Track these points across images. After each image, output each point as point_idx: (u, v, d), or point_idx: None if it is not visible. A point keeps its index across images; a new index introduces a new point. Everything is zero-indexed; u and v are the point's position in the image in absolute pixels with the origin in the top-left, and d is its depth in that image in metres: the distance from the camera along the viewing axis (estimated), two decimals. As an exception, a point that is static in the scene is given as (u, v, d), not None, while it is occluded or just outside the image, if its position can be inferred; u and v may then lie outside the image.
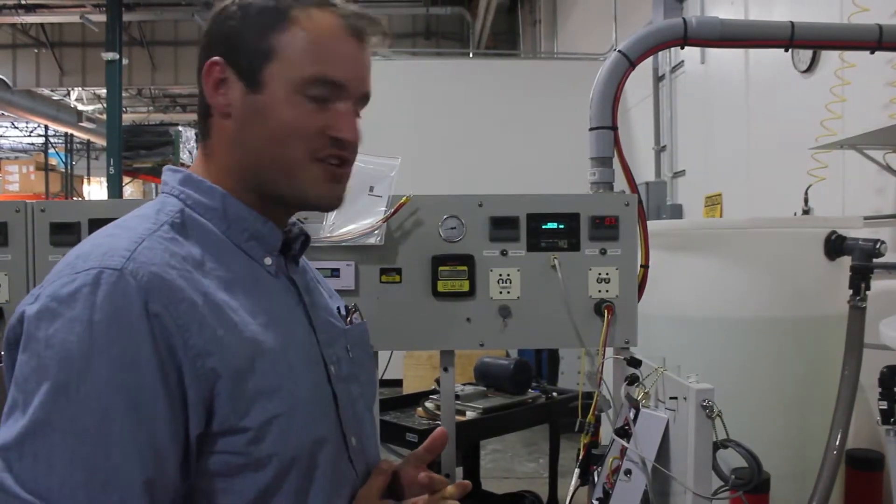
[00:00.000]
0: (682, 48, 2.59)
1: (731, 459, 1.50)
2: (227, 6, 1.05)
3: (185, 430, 0.89)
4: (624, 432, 1.62)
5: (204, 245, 1.00)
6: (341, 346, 1.14)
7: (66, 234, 1.88)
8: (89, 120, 14.06)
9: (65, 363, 0.83)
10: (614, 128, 2.28)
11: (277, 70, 1.01)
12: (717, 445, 1.47)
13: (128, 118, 16.85)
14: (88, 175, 17.80)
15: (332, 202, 1.08)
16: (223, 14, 1.04)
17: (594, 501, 1.68)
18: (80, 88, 16.70)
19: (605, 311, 1.87)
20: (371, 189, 1.88)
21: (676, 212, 5.75)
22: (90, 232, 1.86)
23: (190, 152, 12.95)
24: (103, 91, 12.40)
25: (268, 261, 1.06)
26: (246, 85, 1.01)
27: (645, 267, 2.00)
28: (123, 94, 12.50)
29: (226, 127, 1.03)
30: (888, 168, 3.15)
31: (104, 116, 12.09)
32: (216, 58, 1.02)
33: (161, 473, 0.86)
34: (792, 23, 2.56)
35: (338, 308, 1.20)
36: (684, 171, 5.87)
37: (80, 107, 15.98)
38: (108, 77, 10.62)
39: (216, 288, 0.96)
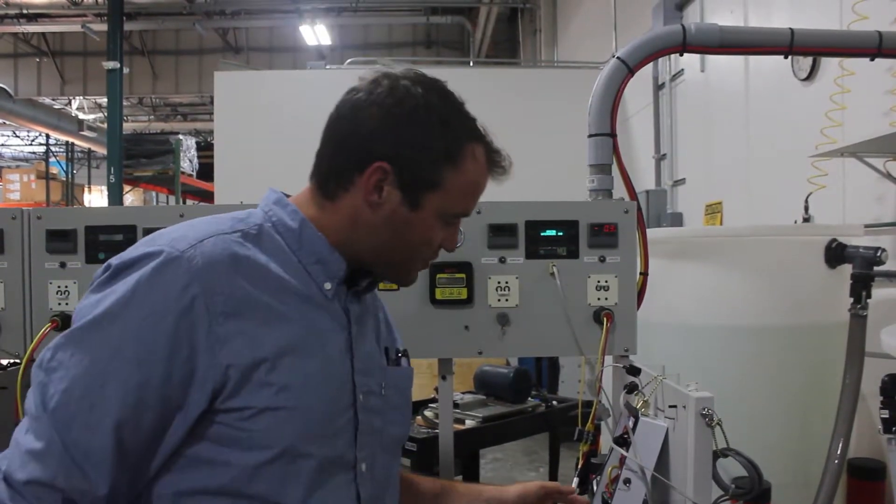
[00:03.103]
0: (682, 55, 2.58)
1: (731, 468, 1.48)
2: (408, 103, 1.14)
3: (181, 399, 1.02)
4: (623, 441, 1.61)
5: (272, 256, 1.13)
6: (376, 381, 1.22)
7: (62, 241, 1.86)
8: (90, 129, 14.08)
9: (109, 305, 1.02)
10: (613, 135, 2.28)
11: (437, 200, 1.16)
12: (717, 454, 1.45)
13: (128, 127, 16.90)
14: (89, 184, 17.80)
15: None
16: (403, 113, 1.13)
17: (593, 511, 1.66)
18: (81, 97, 16.75)
19: (605, 319, 1.85)
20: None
21: (677, 220, 5.74)
22: (86, 239, 1.87)
23: (190, 161, 12.94)
24: (104, 100, 12.42)
25: (327, 285, 1.17)
26: (404, 198, 1.15)
27: (644, 274, 1.99)
28: (124, 103, 12.52)
29: (363, 211, 1.16)
30: (888, 176, 3.15)
31: (105, 125, 12.11)
32: (386, 165, 1.13)
33: (137, 420, 1.00)
34: (791, 29, 2.56)
35: (385, 348, 1.30)
36: (684, 179, 5.87)
37: (81, 116, 16.01)
38: (108, 86, 10.64)
39: (266, 290, 1.09)
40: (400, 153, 1.13)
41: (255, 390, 1.04)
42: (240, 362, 1.03)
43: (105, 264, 1.09)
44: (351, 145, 1.15)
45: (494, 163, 1.22)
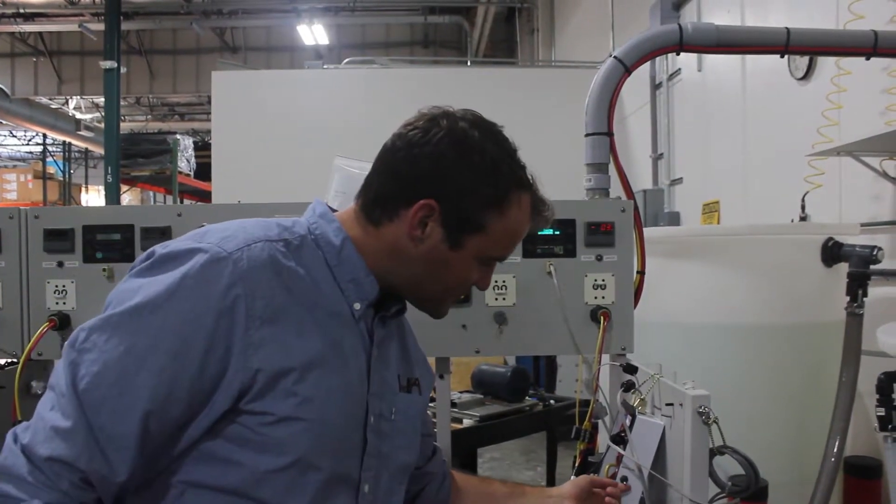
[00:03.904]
0: (678, 54, 2.59)
1: (728, 466, 1.49)
2: (463, 147, 1.16)
3: (209, 395, 1.04)
4: (620, 439, 1.61)
5: (309, 269, 1.15)
6: (388, 406, 1.24)
7: (59, 240, 1.86)
8: (87, 128, 14.04)
9: (152, 295, 1.04)
10: (610, 133, 2.28)
11: (478, 242, 1.20)
12: (714, 452, 1.45)
13: (126, 127, 16.86)
14: (86, 183, 17.79)
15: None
16: (457, 156, 1.16)
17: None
18: (78, 97, 16.72)
19: (601, 318, 1.86)
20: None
21: (674, 219, 5.74)
22: (84, 239, 1.87)
23: (187, 160, 12.93)
24: (101, 99, 12.42)
25: (357, 305, 1.19)
26: (446, 237, 1.18)
27: (641, 273, 1.99)
28: (121, 103, 12.48)
29: (404, 243, 1.19)
30: (885, 175, 3.15)
31: (102, 125, 12.09)
32: (433, 203, 1.16)
33: (165, 411, 1.02)
34: (788, 29, 2.57)
35: (398, 375, 1.30)
36: (681, 178, 5.87)
37: (79, 115, 15.97)
38: (106, 85, 10.62)
39: (301, 301, 1.12)
40: (449, 194, 1.16)
41: (279, 398, 1.06)
42: (269, 368, 1.06)
43: (148, 251, 1.11)
44: (402, 179, 1.18)
45: (538, 212, 1.26)
